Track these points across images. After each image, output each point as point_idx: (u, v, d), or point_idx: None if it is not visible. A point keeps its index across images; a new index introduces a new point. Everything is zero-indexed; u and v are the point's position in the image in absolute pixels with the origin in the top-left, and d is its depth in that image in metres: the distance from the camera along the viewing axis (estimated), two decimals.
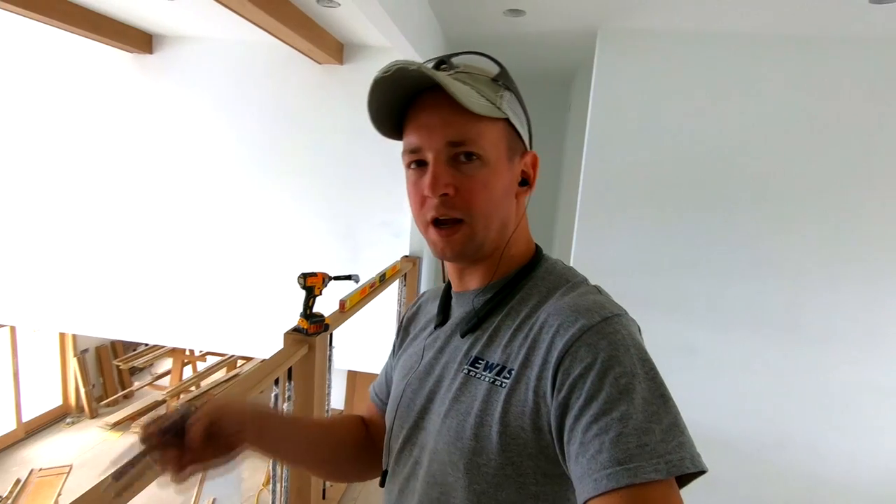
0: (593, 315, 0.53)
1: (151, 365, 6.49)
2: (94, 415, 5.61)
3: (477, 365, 0.60)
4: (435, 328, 0.70)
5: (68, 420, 5.52)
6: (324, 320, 1.63)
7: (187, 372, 6.10)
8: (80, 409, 5.64)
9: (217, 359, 6.26)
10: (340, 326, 1.82)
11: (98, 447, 5.06)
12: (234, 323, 3.27)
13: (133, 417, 5.47)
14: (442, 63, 0.63)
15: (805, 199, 2.36)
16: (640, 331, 0.57)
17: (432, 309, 0.74)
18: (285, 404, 1.50)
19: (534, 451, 0.53)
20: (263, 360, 1.41)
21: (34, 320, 3.69)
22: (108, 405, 5.84)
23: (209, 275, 3.24)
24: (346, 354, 2.74)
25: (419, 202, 0.61)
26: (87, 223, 3.30)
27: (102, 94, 3.18)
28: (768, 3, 2.00)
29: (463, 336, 0.64)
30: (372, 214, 3.07)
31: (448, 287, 0.72)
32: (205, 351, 6.20)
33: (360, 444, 0.78)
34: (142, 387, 6.26)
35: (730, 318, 2.47)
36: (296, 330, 1.60)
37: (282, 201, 3.13)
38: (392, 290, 2.72)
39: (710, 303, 2.47)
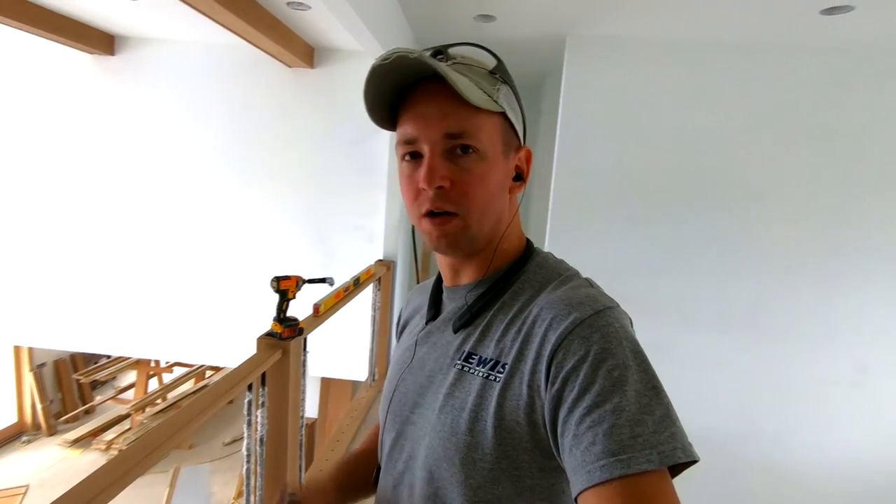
0: (586, 308, 0.54)
1: (114, 378, 6.25)
2: (52, 432, 5.37)
3: (470, 360, 0.60)
4: (426, 323, 0.70)
5: (24, 438, 5.27)
6: (298, 324, 1.61)
7: (153, 384, 5.92)
8: (36, 426, 5.38)
9: (184, 370, 6.08)
10: (314, 332, 1.80)
11: (56, 465, 4.84)
12: (203, 332, 3.18)
13: (95, 434, 5.25)
14: (439, 53, 0.61)
15: (764, 203, 2.47)
16: (631, 323, 0.58)
17: (421, 302, 0.74)
18: (259, 411, 1.47)
19: (529, 444, 0.53)
20: (236, 367, 1.38)
21: None
22: (67, 421, 5.59)
23: (176, 281, 3.14)
24: (320, 361, 2.70)
25: (413, 195, 0.60)
26: (42, 229, 3.16)
27: (61, 98, 3.07)
28: (728, 14, 2.09)
29: (455, 332, 0.64)
30: (344, 219, 3.05)
31: (438, 281, 0.72)
32: (172, 362, 6.02)
33: None
34: (104, 401, 6.02)
35: (696, 317, 2.56)
36: (269, 334, 1.57)
37: (251, 207, 3.07)
38: (366, 295, 2.70)
39: (677, 303, 2.56)
